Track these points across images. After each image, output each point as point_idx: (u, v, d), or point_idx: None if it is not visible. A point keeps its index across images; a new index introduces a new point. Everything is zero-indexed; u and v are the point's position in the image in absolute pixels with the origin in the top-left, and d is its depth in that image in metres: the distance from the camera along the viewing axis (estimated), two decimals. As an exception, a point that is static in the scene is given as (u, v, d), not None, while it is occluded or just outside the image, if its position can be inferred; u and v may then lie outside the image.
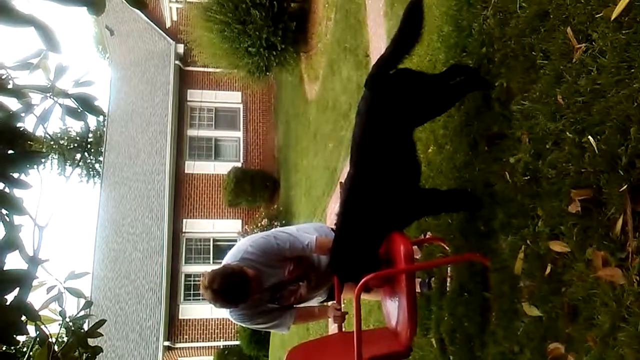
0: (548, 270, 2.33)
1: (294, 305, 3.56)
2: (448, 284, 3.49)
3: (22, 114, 1.84)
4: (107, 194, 19.23)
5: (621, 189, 1.94)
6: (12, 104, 1.83)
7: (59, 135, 26.98)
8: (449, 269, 3.49)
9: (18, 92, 1.86)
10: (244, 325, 3.40)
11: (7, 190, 1.68)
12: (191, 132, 18.01)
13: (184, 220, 17.06)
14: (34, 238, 1.80)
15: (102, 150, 21.47)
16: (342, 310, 3.41)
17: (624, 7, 2.01)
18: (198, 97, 18.29)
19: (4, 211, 1.66)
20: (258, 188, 16.26)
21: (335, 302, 3.45)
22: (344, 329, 3.49)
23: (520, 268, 2.55)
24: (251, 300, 3.26)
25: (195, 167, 17.58)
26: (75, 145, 28.45)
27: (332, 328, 6.90)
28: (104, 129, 21.42)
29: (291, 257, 3.36)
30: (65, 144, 27.56)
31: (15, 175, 1.70)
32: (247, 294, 3.15)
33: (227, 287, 3.08)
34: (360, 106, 2.99)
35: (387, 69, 2.99)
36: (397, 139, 2.91)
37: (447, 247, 3.40)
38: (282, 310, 3.50)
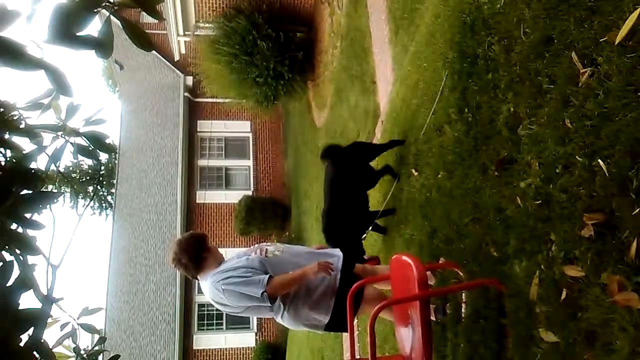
0: (564, 295, 2.30)
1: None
2: (463, 310, 3.45)
3: (35, 154, 1.87)
4: (120, 226, 19.30)
5: (634, 212, 1.93)
6: (25, 143, 1.86)
7: (71, 168, 27.20)
8: (463, 294, 3.46)
9: (30, 132, 1.89)
10: (230, 289, 3.41)
11: (20, 230, 1.70)
12: (202, 162, 18.10)
13: (196, 250, 16.99)
14: (48, 277, 1.81)
15: (114, 183, 21.62)
16: (356, 328, 3.35)
17: (627, 32, 2.02)
18: (208, 127, 18.43)
19: (17, 251, 1.68)
20: (269, 216, 16.25)
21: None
22: (358, 355, 3.45)
23: (535, 293, 2.52)
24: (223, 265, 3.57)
25: (206, 196, 17.64)
26: (88, 177, 28.65)
27: (347, 356, 6.82)
28: (116, 162, 21.59)
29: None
30: (78, 176, 27.76)
31: (28, 215, 1.73)
32: (204, 246, 3.62)
33: (185, 243, 3.59)
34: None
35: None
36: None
37: (461, 273, 3.37)
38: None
